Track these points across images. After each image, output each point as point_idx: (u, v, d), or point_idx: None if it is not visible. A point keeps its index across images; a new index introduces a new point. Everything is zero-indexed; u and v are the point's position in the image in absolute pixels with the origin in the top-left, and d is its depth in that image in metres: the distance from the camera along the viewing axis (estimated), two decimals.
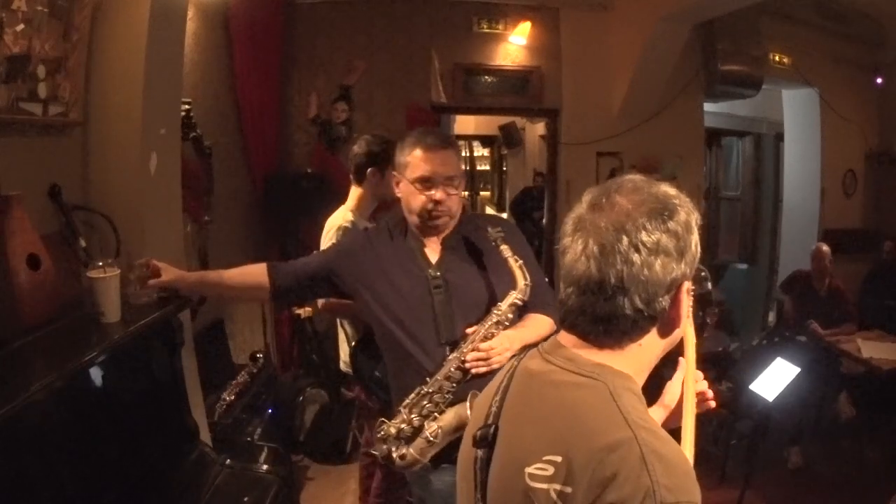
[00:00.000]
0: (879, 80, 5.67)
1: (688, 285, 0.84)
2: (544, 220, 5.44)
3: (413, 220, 1.77)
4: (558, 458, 0.77)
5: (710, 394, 1.12)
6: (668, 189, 0.85)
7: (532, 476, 0.78)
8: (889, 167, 5.71)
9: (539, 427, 0.83)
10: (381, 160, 2.45)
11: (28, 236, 1.55)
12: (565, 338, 0.88)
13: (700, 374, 1.13)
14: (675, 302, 0.84)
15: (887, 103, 5.71)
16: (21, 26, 1.60)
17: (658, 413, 1.16)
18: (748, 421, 3.63)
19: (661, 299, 0.81)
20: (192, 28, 3.13)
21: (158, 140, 2.16)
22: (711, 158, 7.37)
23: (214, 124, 3.45)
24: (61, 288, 1.67)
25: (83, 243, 1.87)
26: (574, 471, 0.75)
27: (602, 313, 0.81)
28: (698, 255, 0.85)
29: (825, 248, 4.35)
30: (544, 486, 0.77)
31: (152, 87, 2.06)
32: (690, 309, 1.05)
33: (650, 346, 0.86)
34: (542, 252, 5.59)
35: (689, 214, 0.83)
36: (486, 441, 0.89)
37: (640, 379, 0.87)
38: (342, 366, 2.55)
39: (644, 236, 0.79)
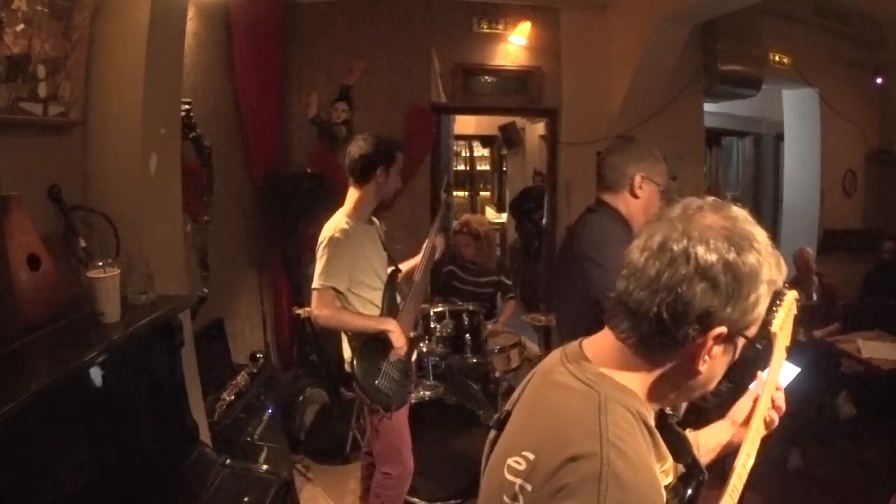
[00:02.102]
0: (879, 80, 5.67)
1: (722, 331, 0.78)
2: (544, 221, 5.44)
3: (647, 217, 1.85)
4: (532, 456, 0.79)
5: (781, 409, 1.09)
6: (759, 236, 0.80)
7: (508, 467, 0.81)
8: (889, 167, 5.71)
9: (530, 422, 0.86)
10: (386, 159, 2.44)
11: (28, 236, 1.55)
12: (594, 340, 0.89)
13: (780, 393, 1.09)
14: (700, 343, 0.79)
15: (887, 103, 5.71)
16: (21, 26, 1.60)
17: (723, 428, 1.13)
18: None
19: (687, 327, 0.78)
20: (192, 28, 3.13)
21: (158, 140, 2.16)
22: (711, 158, 7.38)
23: (214, 124, 3.45)
24: (61, 288, 1.67)
25: (83, 243, 1.87)
26: (538, 471, 0.77)
27: (632, 305, 0.81)
28: (754, 315, 0.80)
29: (808, 250, 4.35)
30: (513, 478, 0.80)
31: (152, 87, 2.06)
32: (790, 324, 1.00)
33: (664, 375, 0.84)
34: (543, 253, 5.59)
35: (761, 266, 0.79)
36: (499, 424, 0.93)
37: (653, 400, 0.84)
38: (346, 366, 2.55)
39: (701, 250, 0.76)
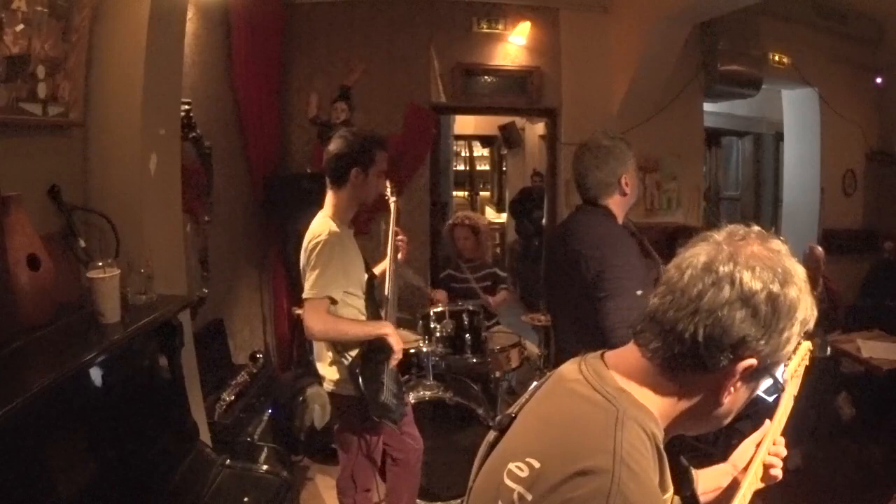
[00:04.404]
0: (879, 80, 5.67)
1: (752, 363, 0.77)
2: (544, 221, 5.44)
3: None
4: (537, 464, 0.76)
5: (780, 463, 1.07)
6: (800, 272, 0.80)
7: (509, 472, 0.79)
8: (889, 167, 5.71)
9: (538, 429, 0.83)
10: (363, 159, 2.23)
11: (28, 236, 1.55)
12: (617, 354, 0.87)
13: (782, 441, 1.08)
14: (729, 373, 0.78)
15: (887, 103, 5.71)
16: (21, 26, 1.60)
17: (723, 472, 1.12)
18: (748, 421, 3.63)
19: (720, 354, 0.77)
20: (192, 28, 3.13)
21: (158, 140, 2.16)
22: (711, 158, 7.38)
23: (214, 124, 3.45)
24: (61, 288, 1.67)
25: (83, 243, 1.87)
26: (542, 481, 0.74)
27: (667, 324, 0.79)
28: (783, 353, 0.80)
29: (819, 250, 4.32)
30: (513, 485, 0.77)
31: (152, 87, 2.06)
32: (800, 373, 1.02)
33: (686, 401, 0.82)
34: (542, 253, 5.59)
35: (799, 302, 0.78)
36: (501, 427, 0.90)
37: (668, 425, 0.83)
38: (328, 385, 2.36)
39: (747, 276, 0.76)
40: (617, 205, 2.06)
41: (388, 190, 2.48)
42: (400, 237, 2.51)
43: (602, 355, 0.87)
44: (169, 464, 1.85)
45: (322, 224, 2.22)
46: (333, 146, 2.26)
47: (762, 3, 4.16)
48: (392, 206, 2.54)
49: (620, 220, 2.06)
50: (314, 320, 2.14)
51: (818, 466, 3.62)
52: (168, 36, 2.18)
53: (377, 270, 2.51)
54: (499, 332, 3.88)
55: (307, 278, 2.17)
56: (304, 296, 2.17)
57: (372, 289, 2.40)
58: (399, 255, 2.52)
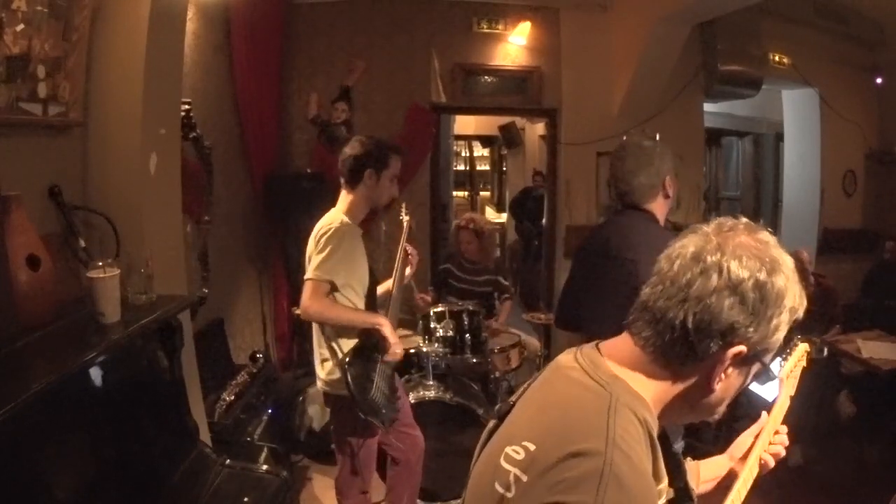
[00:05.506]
0: (879, 80, 5.67)
1: (741, 349, 0.79)
2: (544, 221, 5.44)
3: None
4: (532, 447, 0.78)
5: (781, 451, 1.09)
6: (788, 262, 0.82)
7: (506, 456, 0.81)
8: (889, 167, 5.72)
9: (534, 414, 0.85)
10: (377, 162, 2.33)
11: (28, 236, 1.55)
12: (611, 344, 0.89)
13: (784, 430, 1.09)
14: (719, 360, 0.80)
15: (887, 103, 5.71)
16: (21, 26, 1.60)
17: (721, 463, 1.14)
18: (748, 421, 3.62)
19: (709, 341, 0.79)
20: (192, 28, 3.13)
21: (158, 140, 2.16)
22: (711, 158, 7.39)
23: (214, 124, 3.45)
24: (61, 288, 1.67)
25: (83, 243, 1.87)
26: (537, 463, 0.76)
27: (657, 312, 0.81)
28: (772, 341, 0.82)
29: (805, 253, 4.31)
30: (509, 467, 0.79)
31: (152, 87, 2.06)
32: (797, 374, 1.03)
33: (678, 388, 0.84)
34: (543, 253, 5.59)
35: (787, 291, 0.80)
36: (500, 415, 0.93)
37: (661, 413, 0.85)
38: (320, 384, 2.37)
39: (734, 265, 0.78)
40: (660, 208, 1.97)
41: (403, 210, 2.58)
42: (411, 253, 2.57)
43: (597, 345, 0.90)
44: (169, 464, 1.85)
45: (335, 216, 2.30)
46: (350, 148, 2.37)
47: (762, 3, 4.16)
48: (405, 224, 2.63)
49: (662, 224, 1.97)
50: (311, 299, 2.16)
51: (818, 465, 3.62)
52: (168, 36, 2.18)
53: (381, 288, 2.54)
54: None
55: (312, 260, 2.20)
56: (307, 276, 2.19)
57: (374, 292, 2.41)
58: (408, 270, 2.58)
